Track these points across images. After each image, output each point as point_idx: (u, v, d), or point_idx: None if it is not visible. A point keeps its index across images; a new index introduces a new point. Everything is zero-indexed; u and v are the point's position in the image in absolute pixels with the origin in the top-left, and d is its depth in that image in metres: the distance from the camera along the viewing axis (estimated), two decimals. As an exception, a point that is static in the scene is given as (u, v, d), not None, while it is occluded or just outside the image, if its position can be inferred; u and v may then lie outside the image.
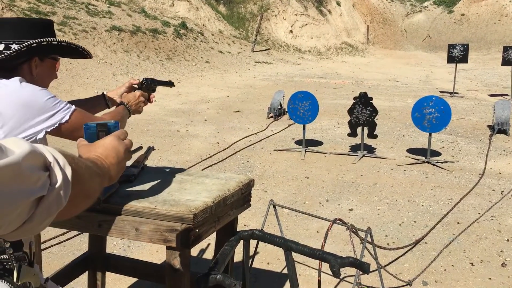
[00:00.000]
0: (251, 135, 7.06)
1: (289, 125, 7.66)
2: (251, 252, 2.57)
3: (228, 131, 7.32)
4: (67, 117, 1.53)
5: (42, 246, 3.22)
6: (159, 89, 2.35)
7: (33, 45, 1.52)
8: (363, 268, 1.53)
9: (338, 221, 2.53)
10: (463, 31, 27.80)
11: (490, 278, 3.02)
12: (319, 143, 6.64)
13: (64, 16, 13.15)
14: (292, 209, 3.22)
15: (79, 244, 3.40)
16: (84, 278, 2.49)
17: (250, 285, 2.84)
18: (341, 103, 9.76)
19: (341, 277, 2.96)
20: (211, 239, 2.56)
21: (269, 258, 3.23)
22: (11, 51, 1.50)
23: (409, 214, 4.10)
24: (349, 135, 6.01)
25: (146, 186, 1.82)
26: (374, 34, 29.60)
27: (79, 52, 1.70)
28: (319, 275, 2.24)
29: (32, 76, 1.58)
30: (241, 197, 1.93)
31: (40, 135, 1.49)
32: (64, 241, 3.45)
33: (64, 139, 1.64)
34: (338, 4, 29.06)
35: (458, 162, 5.68)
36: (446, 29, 28.69)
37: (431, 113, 5.47)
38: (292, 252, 1.63)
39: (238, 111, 9.04)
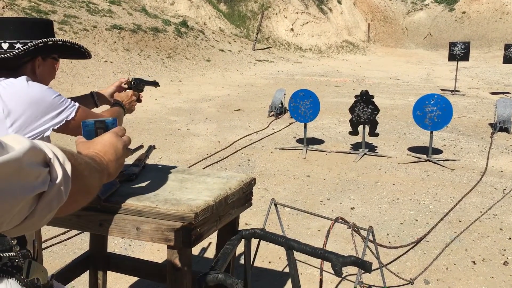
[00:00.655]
0: (252, 133, 7.05)
1: (290, 124, 7.65)
2: (253, 251, 2.56)
3: (229, 129, 7.31)
4: (73, 114, 1.55)
5: (43, 245, 3.23)
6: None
7: (40, 45, 1.55)
8: (365, 267, 1.53)
9: (340, 220, 2.52)
10: (464, 29, 27.75)
11: (492, 277, 3.02)
12: (320, 141, 6.64)
13: (65, 15, 13.15)
14: (293, 208, 3.21)
15: (80, 243, 3.40)
16: (85, 277, 2.49)
17: (252, 284, 2.83)
18: (342, 102, 9.75)
19: (343, 276, 2.96)
20: (213, 238, 2.55)
21: (271, 257, 3.22)
22: (19, 49, 1.52)
23: (410, 213, 4.09)
24: (350, 133, 6.00)
25: (147, 185, 1.82)
26: (375, 32, 29.56)
27: (79, 53, 1.73)
28: (321, 274, 2.23)
29: (35, 75, 1.60)
30: (243, 196, 1.93)
31: (48, 133, 1.51)
32: (65, 240, 3.45)
33: (64, 138, 1.65)
34: (339, 2, 29.02)
35: (459, 160, 5.67)
36: (447, 27, 28.64)
37: (433, 111, 5.46)
38: (293, 251, 1.63)
39: (239, 109, 9.03)
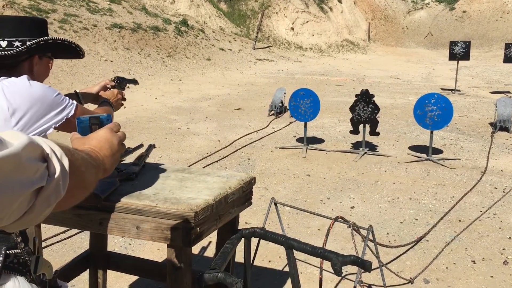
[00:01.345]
0: (252, 132, 7.05)
1: (291, 123, 7.65)
2: (253, 250, 2.56)
3: (229, 128, 7.31)
4: (72, 112, 1.58)
5: (43, 244, 3.23)
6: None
7: (41, 43, 1.57)
8: (365, 266, 1.53)
9: (340, 219, 2.52)
10: (465, 28, 27.74)
11: (492, 276, 3.02)
12: (320, 140, 6.64)
13: (65, 14, 13.14)
14: (293, 207, 3.21)
15: (80, 242, 3.40)
16: (85, 276, 2.49)
17: (252, 283, 2.83)
18: (342, 101, 9.74)
19: (342, 275, 2.96)
20: (213, 237, 2.55)
21: (271, 256, 3.23)
22: (21, 47, 1.54)
23: (410, 212, 4.09)
24: (351, 132, 6.00)
25: (147, 184, 1.82)
26: (376, 31, 29.54)
27: (74, 52, 1.75)
28: (321, 273, 2.23)
29: (32, 74, 1.61)
30: (242, 195, 1.93)
31: (50, 130, 1.54)
32: (65, 239, 3.45)
33: (64, 136, 1.66)
34: (340, 1, 29.00)
35: (460, 160, 5.67)
36: (448, 26, 28.62)
37: (433, 111, 5.46)
38: (293, 250, 1.63)
39: (239, 108, 9.03)
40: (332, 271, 1.53)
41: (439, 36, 28.17)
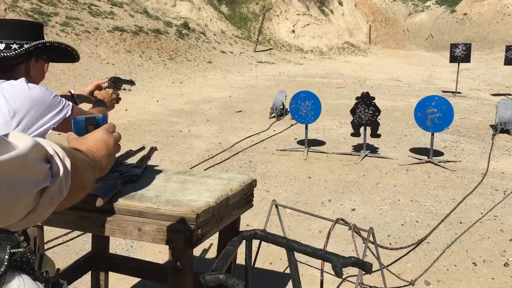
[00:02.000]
0: (254, 135, 7.06)
1: (292, 125, 7.66)
2: (254, 252, 2.57)
3: (230, 131, 7.32)
4: (69, 112, 1.61)
5: (45, 246, 3.24)
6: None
7: (39, 45, 1.60)
8: (366, 268, 1.53)
9: (341, 221, 2.53)
10: (466, 31, 27.75)
11: (493, 278, 3.02)
12: (321, 143, 6.64)
13: (67, 17, 13.18)
14: (294, 209, 3.22)
15: (82, 244, 3.41)
16: (87, 278, 2.50)
17: (253, 285, 2.84)
18: (343, 103, 9.75)
19: (343, 277, 2.97)
20: (214, 239, 2.56)
21: (272, 258, 3.23)
22: (19, 50, 1.57)
23: (411, 214, 4.09)
24: (352, 135, 6.01)
25: (149, 187, 1.83)
26: (377, 33, 29.56)
27: (70, 55, 1.78)
28: (322, 275, 2.24)
29: (29, 76, 1.64)
30: (244, 197, 1.94)
31: (49, 131, 1.57)
32: (67, 241, 3.46)
33: (63, 136, 1.69)
34: (340, 3, 29.03)
35: (460, 162, 5.67)
36: (449, 28, 28.63)
37: (434, 113, 5.46)
38: (294, 252, 1.64)
39: (241, 111, 9.04)
40: (333, 273, 1.53)
41: (440, 38, 28.18)
